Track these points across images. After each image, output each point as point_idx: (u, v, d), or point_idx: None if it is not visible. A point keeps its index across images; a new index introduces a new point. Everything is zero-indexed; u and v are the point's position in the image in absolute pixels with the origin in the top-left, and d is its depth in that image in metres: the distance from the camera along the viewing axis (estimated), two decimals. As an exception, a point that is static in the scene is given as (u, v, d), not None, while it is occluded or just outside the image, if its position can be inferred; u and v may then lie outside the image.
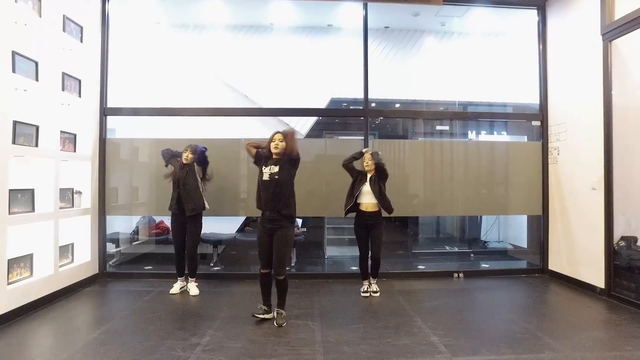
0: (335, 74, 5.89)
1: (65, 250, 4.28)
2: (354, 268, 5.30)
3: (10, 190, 3.40)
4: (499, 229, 6.91)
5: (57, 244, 4.02)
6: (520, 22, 5.63)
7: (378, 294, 4.19)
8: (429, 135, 6.42)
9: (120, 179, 4.92)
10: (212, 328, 3.23)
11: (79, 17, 4.44)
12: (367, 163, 4.11)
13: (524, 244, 6.37)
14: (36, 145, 3.77)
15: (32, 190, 3.74)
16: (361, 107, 5.07)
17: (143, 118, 5.12)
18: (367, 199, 4.09)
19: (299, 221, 5.92)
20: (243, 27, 5.99)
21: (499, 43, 6.14)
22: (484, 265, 5.73)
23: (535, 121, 5.24)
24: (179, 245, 4.24)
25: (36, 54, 3.73)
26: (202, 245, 5.53)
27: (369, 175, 4.14)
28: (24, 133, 3.62)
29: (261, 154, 3.45)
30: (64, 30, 4.18)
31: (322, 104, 5.88)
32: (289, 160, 3.34)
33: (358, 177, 4.18)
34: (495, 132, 6.68)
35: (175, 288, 4.27)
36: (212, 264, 5.41)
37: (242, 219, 6.01)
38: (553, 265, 5.01)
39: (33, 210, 3.73)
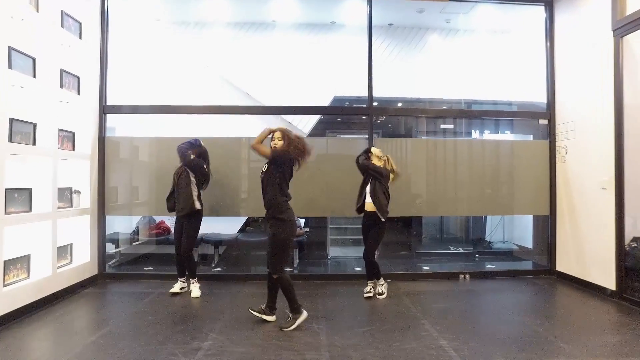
0: (338, 71, 5.80)
1: (64, 251, 4.19)
2: (358, 269, 5.23)
3: (6, 189, 3.32)
4: (504, 229, 6.83)
5: (55, 245, 3.93)
6: (527, 19, 5.54)
7: (383, 296, 4.10)
8: (432, 134, 6.34)
9: (120, 179, 4.83)
10: (214, 331, 3.14)
11: (78, 13, 4.34)
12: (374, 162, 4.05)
13: (529, 244, 6.29)
14: (33, 144, 3.68)
15: (30, 190, 3.65)
16: (365, 105, 4.98)
17: (143, 116, 5.02)
18: (368, 199, 4.02)
19: (302, 221, 5.84)
20: (245, 24, 5.90)
21: (505, 40, 6.06)
22: (490, 266, 5.64)
23: (542, 119, 5.15)
24: (178, 246, 4.19)
25: (33, 49, 3.64)
26: (204, 245, 5.47)
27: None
28: (21, 131, 3.53)
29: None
30: (62, 26, 4.08)
31: (325, 102, 5.79)
32: (271, 161, 3.26)
33: (365, 176, 4.11)
34: (500, 131, 6.59)
35: (176, 287, 4.20)
36: (213, 265, 5.32)
37: (244, 219, 5.92)
38: (561, 266, 4.92)
39: (30, 210, 3.64)
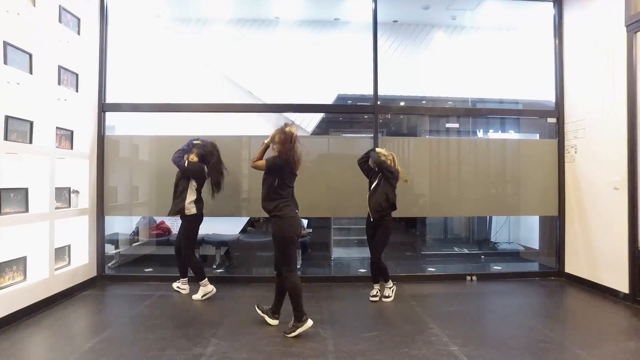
0: (342, 69, 5.69)
1: (62, 253, 4.08)
2: (362, 270, 5.13)
3: (2, 189, 3.22)
4: (509, 229, 6.72)
5: (53, 246, 3.82)
6: (535, 16, 5.43)
7: (390, 299, 3.99)
8: (435, 133, 6.23)
9: (119, 178, 4.73)
10: (217, 336, 3.04)
11: (76, 9, 4.23)
12: None
13: (535, 245, 6.19)
14: (30, 142, 3.56)
15: (26, 190, 3.54)
16: (370, 103, 4.87)
17: (143, 114, 4.93)
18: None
19: (305, 222, 5.73)
20: (247, 21, 5.79)
21: (512, 38, 5.94)
22: (496, 268, 5.53)
23: (551, 118, 5.04)
24: (176, 246, 4.17)
25: (30, 45, 3.53)
26: (205, 246, 5.37)
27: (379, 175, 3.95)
28: (17, 129, 3.41)
29: None
30: (60, 21, 3.97)
31: (328, 100, 5.68)
32: (267, 172, 3.21)
33: (370, 176, 4.01)
34: (505, 131, 6.48)
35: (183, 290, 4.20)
36: (214, 266, 5.21)
37: (245, 219, 5.81)
38: (570, 268, 4.81)
39: (27, 210, 3.53)
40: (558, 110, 4.95)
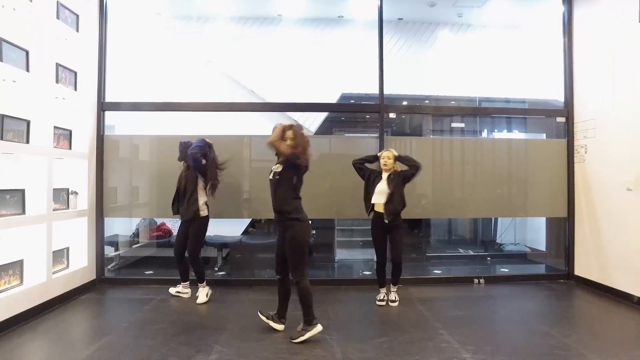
0: (346, 68, 5.59)
1: (60, 255, 3.97)
2: (367, 273, 5.02)
3: (-3, 190, 3.12)
4: (515, 230, 6.61)
5: (51, 249, 3.71)
6: (543, 13, 5.33)
7: (396, 304, 3.88)
8: (439, 133, 6.11)
9: (119, 179, 4.62)
10: (220, 343, 2.93)
11: (75, 5, 4.12)
12: (386, 162, 3.81)
13: (541, 246, 6.08)
14: (27, 142, 3.46)
15: (23, 191, 3.44)
16: (375, 102, 4.76)
17: (143, 114, 4.83)
18: (383, 199, 3.78)
19: (308, 223, 5.61)
20: (249, 19, 5.68)
21: (519, 36, 5.83)
22: (503, 270, 5.42)
23: (560, 117, 4.94)
24: (177, 249, 4.03)
25: (27, 42, 3.42)
26: (206, 248, 5.25)
27: (385, 175, 3.84)
28: (13, 128, 3.31)
29: None
30: (57, 17, 3.86)
31: (332, 99, 5.58)
32: (292, 165, 3.02)
33: (372, 176, 3.89)
34: (510, 130, 6.36)
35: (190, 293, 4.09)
36: (216, 269, 5.11)
37: (248, 220, 5.71)
38: (580, 271, 4.70)
39: (24, 212, 3.42)
40: (567, 109, 4.85)
